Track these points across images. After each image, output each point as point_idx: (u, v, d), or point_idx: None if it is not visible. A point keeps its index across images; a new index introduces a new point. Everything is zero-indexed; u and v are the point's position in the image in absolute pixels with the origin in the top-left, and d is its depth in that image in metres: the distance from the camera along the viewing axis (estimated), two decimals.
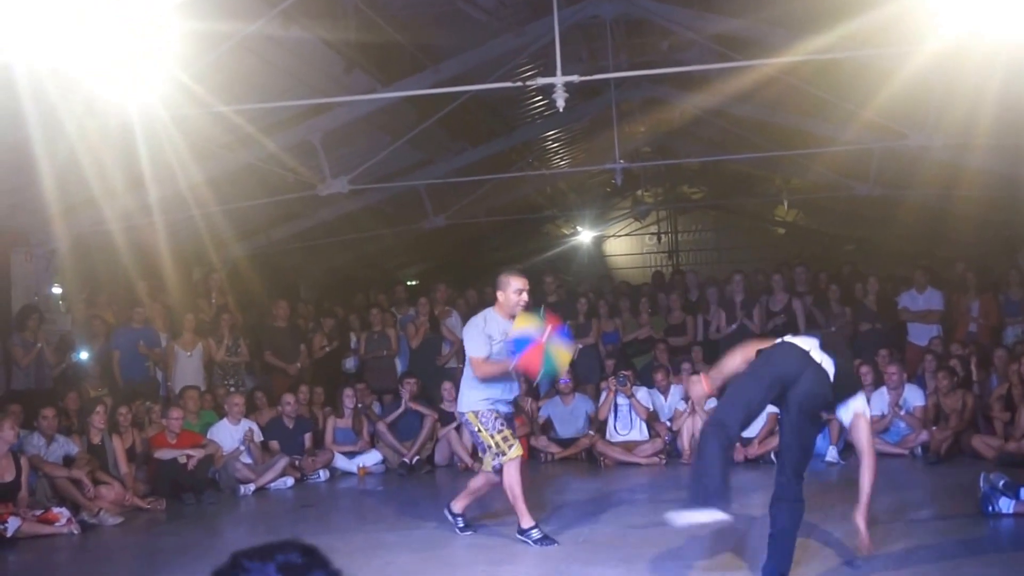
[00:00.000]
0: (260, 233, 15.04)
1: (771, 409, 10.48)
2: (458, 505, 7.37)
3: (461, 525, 7.32)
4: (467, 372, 7.03)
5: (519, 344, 6.64)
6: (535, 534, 6.81)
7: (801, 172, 16.50)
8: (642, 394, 11.34)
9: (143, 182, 10.53)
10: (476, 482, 7.30)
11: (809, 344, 5.35)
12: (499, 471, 6.92)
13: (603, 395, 11.45)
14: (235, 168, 11.51)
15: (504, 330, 6.81)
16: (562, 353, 6.78)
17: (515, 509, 6.92)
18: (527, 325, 6.65)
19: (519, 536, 6.88)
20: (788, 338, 5.50)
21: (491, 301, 14.01)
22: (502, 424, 6.92)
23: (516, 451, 6.88)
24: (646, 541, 6.80)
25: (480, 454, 7.61)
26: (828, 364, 5.26)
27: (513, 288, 6.79)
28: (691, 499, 5.22)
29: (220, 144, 10.71)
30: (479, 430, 6.93)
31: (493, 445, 6.87)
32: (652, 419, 11.27)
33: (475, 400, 6.95)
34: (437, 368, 12.80)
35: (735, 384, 5.46)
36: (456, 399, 7.43)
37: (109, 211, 11.19)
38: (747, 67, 10.66)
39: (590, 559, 6.40)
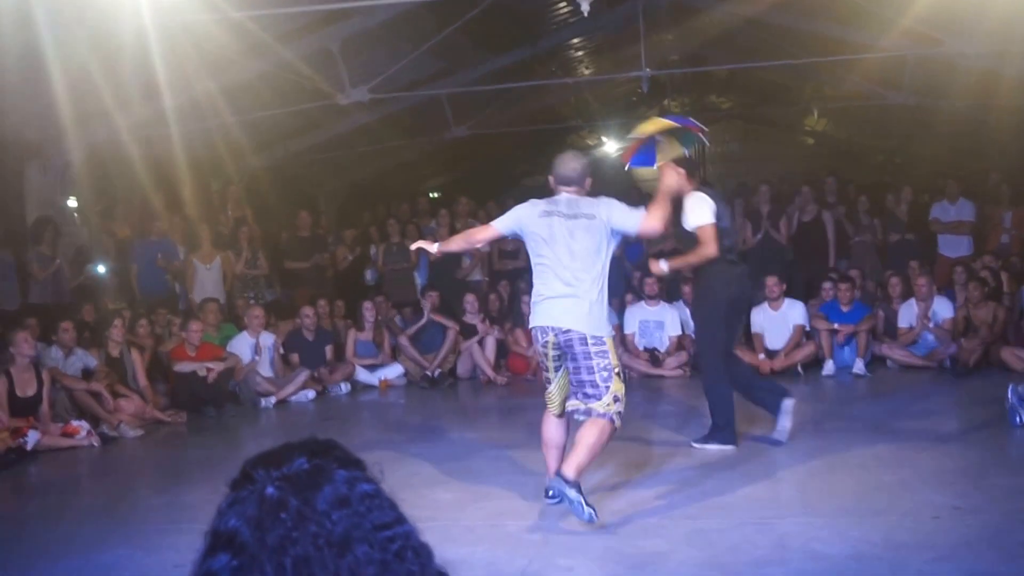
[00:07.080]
0: (278, 144, 14.80)
1: (797, 321, 10.51)
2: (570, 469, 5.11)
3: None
4: (597, 296, 5.33)
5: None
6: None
7: (833, 81, 16.05)
8: (666, 308, 11.20)
9: (158, 92, 10.30)
10: (589, 434, 5.16)
11: None
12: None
13: (628, 309, 11.31)
14: (251, 77, 11.23)
15: None
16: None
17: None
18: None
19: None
20: None
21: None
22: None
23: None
24: (670, 453, 6.72)
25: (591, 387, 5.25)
26: None
27: None
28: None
29: (236, 52, 10.43)
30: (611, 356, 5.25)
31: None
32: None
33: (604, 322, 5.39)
34: (457, 281, 12.67)
35: None
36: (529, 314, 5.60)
37: (124, 121, 10.98)
38: None
39: (613, 473, 6.32)
